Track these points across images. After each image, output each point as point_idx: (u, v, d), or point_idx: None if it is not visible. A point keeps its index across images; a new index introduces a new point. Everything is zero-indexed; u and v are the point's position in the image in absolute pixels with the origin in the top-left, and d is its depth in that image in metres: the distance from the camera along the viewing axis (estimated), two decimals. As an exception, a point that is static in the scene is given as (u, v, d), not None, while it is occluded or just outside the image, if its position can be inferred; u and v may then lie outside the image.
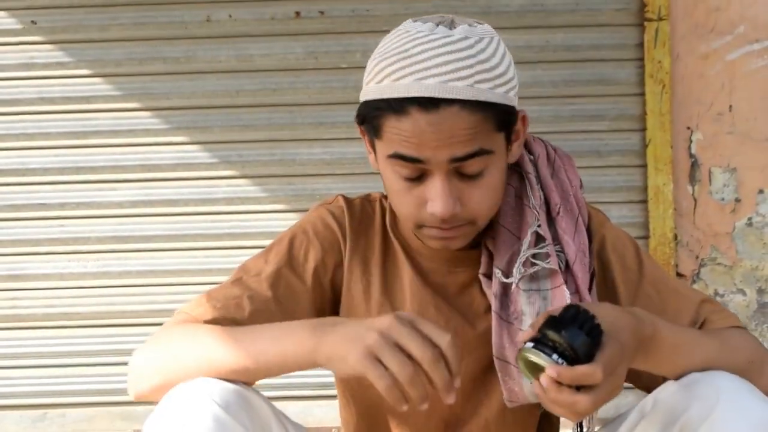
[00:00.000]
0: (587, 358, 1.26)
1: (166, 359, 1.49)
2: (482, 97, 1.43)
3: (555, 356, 1.26)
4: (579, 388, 1.27)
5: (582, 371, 1.25)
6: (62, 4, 3.22)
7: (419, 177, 1.48)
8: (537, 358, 1.27)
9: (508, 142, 1.54)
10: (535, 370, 1.28)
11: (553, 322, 1.29)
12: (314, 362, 1.38)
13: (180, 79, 3.24)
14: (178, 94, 3.24)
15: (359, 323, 1.33)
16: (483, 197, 1.50)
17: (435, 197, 1.46)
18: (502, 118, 1.48)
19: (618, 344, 1.30)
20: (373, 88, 1.48)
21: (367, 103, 1.50)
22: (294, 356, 1.40)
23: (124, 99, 3.24)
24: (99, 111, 3.25)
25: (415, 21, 1.50)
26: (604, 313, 1.36)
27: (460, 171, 1.47)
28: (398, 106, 1.43)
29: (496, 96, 1.45)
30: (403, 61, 1.44)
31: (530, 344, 1.29)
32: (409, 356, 1.28)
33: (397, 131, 1.44)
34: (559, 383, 1.26)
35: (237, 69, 3.23)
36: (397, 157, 1.46)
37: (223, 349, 1.44)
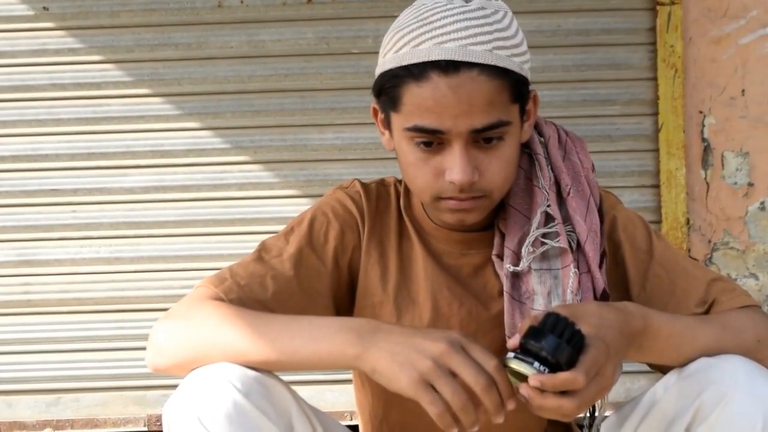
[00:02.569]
0: (569, 364, 1.27)
1: (190, 339, 1.47)
2: (501, 63, 1.45)
3: (537, 364, 1.28)
4: (565, 392, 1.28)
5: (564, 378, 1.26)
6: (73, -10, 3.23)
7: (437, 147, 1.49)
8: (519, 367, 1.29)
9: (522, 117, 1.55)
10: (521, 377, 1.30)
11: (533, 331, 1.30)
12: (355, 367, 1.39)
13: (191, 64, 3.24)
14: (189, 79, 3.24)
15: (407, 339, 1.33)
16: (500, 168, 1.51)
17: (454, 165, 1.47)
18: (518, 88, 1.50)
19: (602, 345, 1.31)
20: (391, 58, 1.50)
21: (384, 73, 1.51)
22: (332, 359, 1.39)
23: (135, 85, 3.25)
24: (110, 97, 3.26)
25: None
26: (589, 313, 1.38)
27: (478, 141, 1.48)
28: (418, 71, 1.45)
29: (513, 64, 1.47)
30: (422, 28, 1.47)
31: (511, 354, 1.31)
32: (462, 382, 1.29)
33: (417, 99, 1.46)
34: (542, 390, 1.28)
35: (248, 54, 3.23)
36: (417, 129, 1.47)
37: (252, 341, 1.42)
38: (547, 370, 1.27)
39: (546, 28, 3.16)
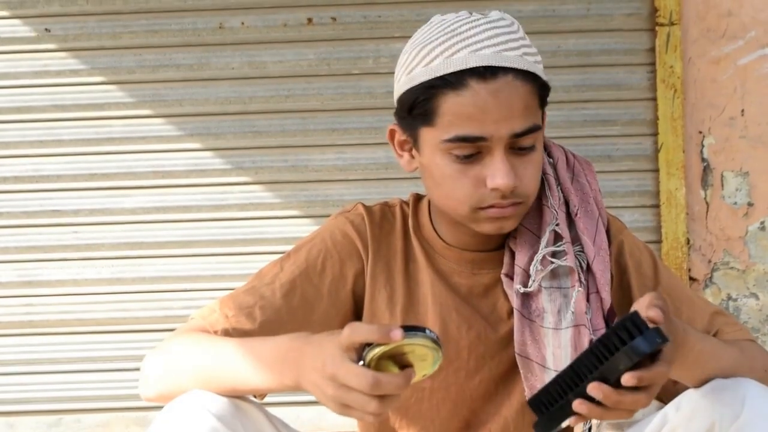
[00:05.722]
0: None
1: (170, 369, 1.52)
2: (531, 68, 1.48)
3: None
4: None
5: (658, 371, 1.27)
6: (75, 12, 3.24)
7: (476, 157, 1.50)
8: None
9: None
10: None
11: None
12: (301, 390, 1.39)
13: (193, 85, 3.25)
14: (190, 100, 3.25)
15: (311, 361, 1.30)
16: (534, 173, 1.53)
17: (496, 171, 1.48)
18: (544, 93, 1.53)
19: (672, 338, 1.32)
20: (421, 72, 1.50)
21: (415, 87, 1.51)
22: (280, 389, 1.42)
23: (136, 106, 3.26)
24: (112, 118, 3.26)
25: (445, 14, 1.55)
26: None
27: (513, 147, 1.49)
28: (456, 80, 1.46)
29: (539, 70, 1.51)
30: (453, 39, 1.48)
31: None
32: None
33: (457, 108, 1.47)
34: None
35: (249, 76, 3.24)
36: (459, 140, 1.48)
37: (215, 372, 1.46)
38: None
39: (546, 48, 3.17)
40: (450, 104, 1.47)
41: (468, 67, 1.45)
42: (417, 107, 1.51)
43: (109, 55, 3.25)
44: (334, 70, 3.23)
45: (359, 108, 3.21)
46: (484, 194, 1.51)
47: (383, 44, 3.19)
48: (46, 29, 3.25)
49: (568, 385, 1.33)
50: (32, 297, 3.31)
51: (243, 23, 3.23)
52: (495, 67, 1.45)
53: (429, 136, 1.52)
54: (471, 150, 1.49)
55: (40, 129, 3.27)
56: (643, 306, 1.33)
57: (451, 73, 1.46)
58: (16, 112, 3.27)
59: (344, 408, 1.27)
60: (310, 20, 3.22)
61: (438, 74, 1.47)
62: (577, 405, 1.30)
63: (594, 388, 1.27)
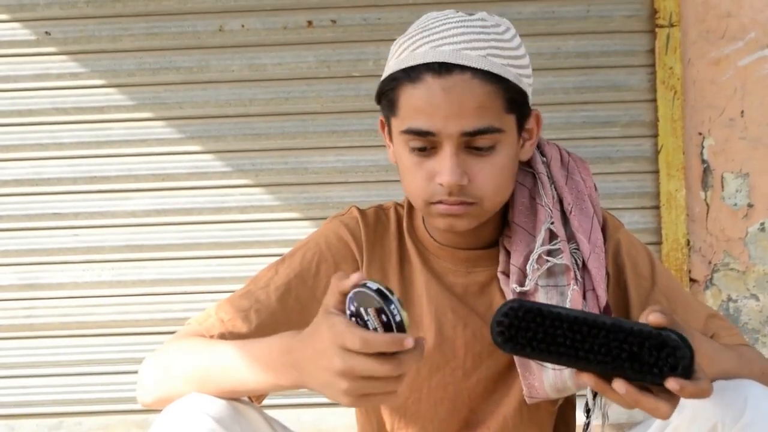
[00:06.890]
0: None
1: (166, 374, 1.54)
2: (494, 69, 1.47)
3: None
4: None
5: (702, 387, 1.25)
6: (75, 15, 3.25)
7: (430, 152, 1.51)
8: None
9: (520, 128, 1.56)
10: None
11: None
12: (306, 388, 1.38)
13: (193, 88, 3.26)
14: (191, 103, 3.26)
15: (315, 361, 1.28)
16: (490, 175, 1.52)
17: (443, 168, 1.49)
18: (513, 97, 1.51)
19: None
20: (392, 64, 1.54)
21: (386, 79, 1.55)
22: (278, 388, 1.42)
23: (137, 108, 3.26)
24: (112, 121, 3.27)
25: (440, 11, 1.57)
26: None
27: (469, 146, 1.50)
28: (413, 72, 1.48)
29: (508, 73, 1.49)
30: (421, 34, 1.51)
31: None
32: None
33: (411, 100, 1.49)
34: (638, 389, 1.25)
35: (249, 78, 3.25)
36: (410, 132, 1.50)
37: (212, 374, 1.47)
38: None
39: (546, 50, 3.18)
40: (407, 96, 1.50)
41: (425, 61, 1.47)
42: (383, 97, 1.56)
43: (109, 58, 3.25)
44: (334, 72, 3.24)
45: (359, 110, 3.21)
46: (435, 189, 1.52)
47: (383, 46, 3.17)
48: (46, 32, 3.25)
49: (574, 338, 1.25)
50: (33, 300, 3.31)
51: (243, 26, 3.23)
52: (451, 64, 1.46)
53: (394, 125, 1.56)
54: (422, 143, 1.50)
55: (40, 132, 3.28)
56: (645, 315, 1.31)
57: (411, 67, 1.49)
58: (16, 116, 3.27)
59: (361, 399, 1.26)
60: (310, 23, 3.22)
61: (401, 66, 1.50)
62: (587, 377, 1.26)
63: (620, 386, 1.24)
